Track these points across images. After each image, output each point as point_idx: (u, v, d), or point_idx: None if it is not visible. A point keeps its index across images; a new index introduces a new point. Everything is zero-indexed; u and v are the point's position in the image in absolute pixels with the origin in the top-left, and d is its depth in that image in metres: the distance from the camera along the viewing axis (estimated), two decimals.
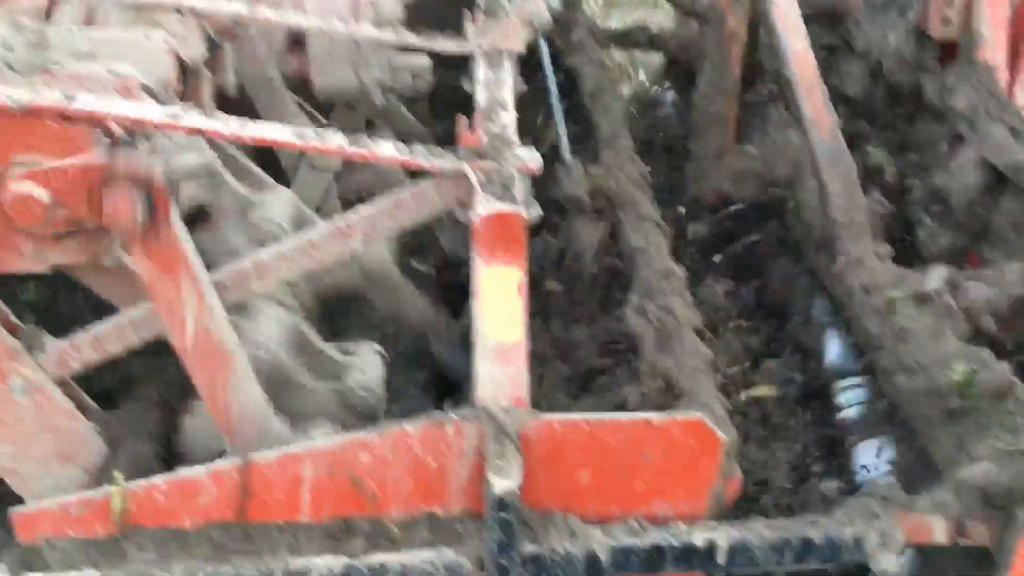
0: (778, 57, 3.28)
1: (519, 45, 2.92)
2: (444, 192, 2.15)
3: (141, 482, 2.07)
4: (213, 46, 3.05)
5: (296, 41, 3.56)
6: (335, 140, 2.10)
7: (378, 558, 2.06)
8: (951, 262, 3.34)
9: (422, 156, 2.11)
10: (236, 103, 3.35)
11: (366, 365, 2.67)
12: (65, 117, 2.05)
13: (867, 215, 3.14)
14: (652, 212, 3.15)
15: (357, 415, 2.62)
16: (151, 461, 2.37)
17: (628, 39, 5.62)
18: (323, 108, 3.74)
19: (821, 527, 2.09)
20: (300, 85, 3.57)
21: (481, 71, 2.75)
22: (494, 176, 2.05)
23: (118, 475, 2.08)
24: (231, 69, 3.24)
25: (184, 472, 2.06)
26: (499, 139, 2.25)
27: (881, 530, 2.08)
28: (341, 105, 3.64)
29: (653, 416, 2.04)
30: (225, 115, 2.12)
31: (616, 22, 6.57)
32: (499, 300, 1.99)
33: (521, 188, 2.10)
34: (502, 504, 1.96)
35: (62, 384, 2.36)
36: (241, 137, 2.06)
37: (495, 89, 2.61)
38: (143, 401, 2.55)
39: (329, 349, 2.67)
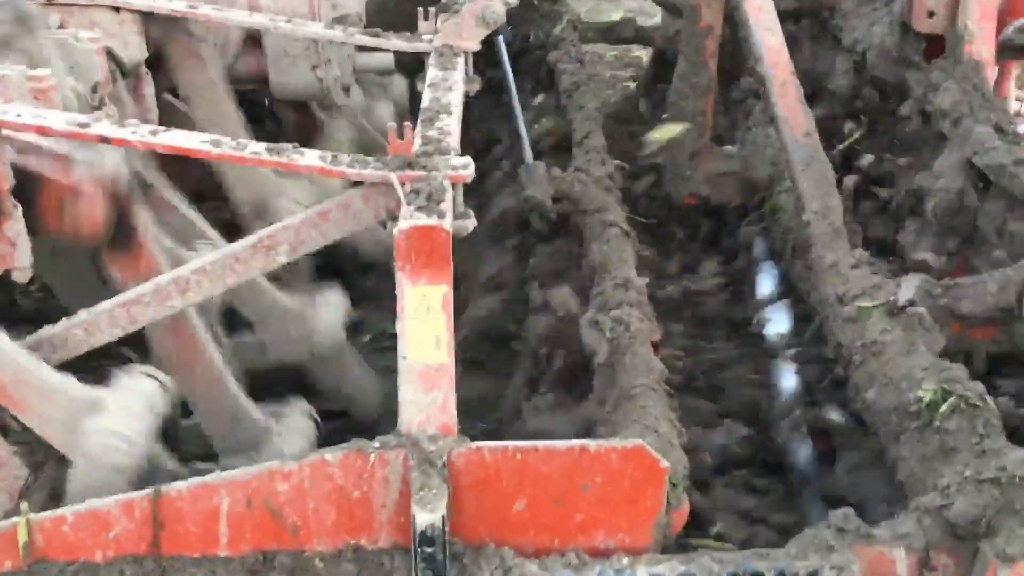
0: (751, 53, 3.12)
1: (473, 43, 2.79)
2: (372, 203, 2.02)
3: (48, 513, 1.95)
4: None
5: (254, 40, 3.45)
6: (253, 149, 1.98)
7: None
8: (933, 269, 3.21)
9: (346, 165, 1.98)
10: None
11: (294, 430, 2.52)
12: None
13: (843, 219, 2.99)
14: (617, 217, 3.01)
15: None
16: None
17: (613, 33, 5.48)
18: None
19: (772, 560, 1.95)
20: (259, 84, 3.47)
21: (430, 71, 2.62)
22: (421, 187, 1.92)
23: (24, 506, 1.96)
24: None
25: (93, 503, 1.94)
26: (435, 146, 2.12)
27: (836, 564, 1.94)
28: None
29: (591, 443, 1.91)
30: (137, 123, 1.99)
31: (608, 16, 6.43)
32: (422, 319, 1.86)
33: (451, 199, 1.97)
34: (426, 538, 1.83)
35: None
36: (151, 145, 1.94)
37: (441, 91, 2.47)
38: None
39: (256, 414, 2.51)
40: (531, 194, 3.04)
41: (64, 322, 2.17)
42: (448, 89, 2.48)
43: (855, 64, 3.86)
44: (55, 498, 2.21)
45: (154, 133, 1.97)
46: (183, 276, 2.11)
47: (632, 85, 5.64)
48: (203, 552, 1.97)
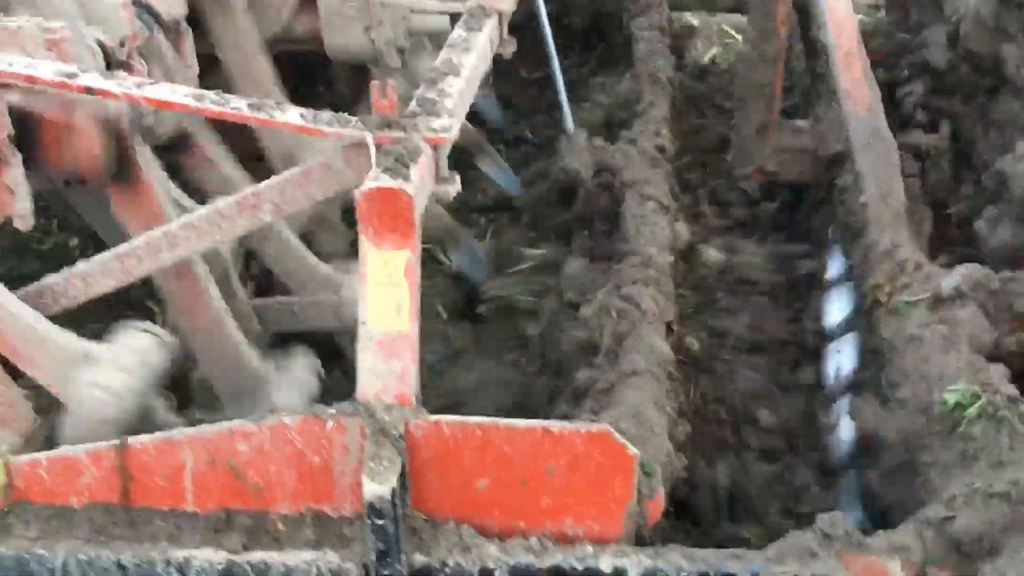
0: (814, 19, 2.91)
1: (507, 4, 2.69)
2: (353, 163, 1.97)
3: (25, 457, 2.00)
4: None
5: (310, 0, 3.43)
6: (234, 104, 1.95)
7: (261, 556, 1.92)
8: (1011, 259, 2.94)
9: (325, 124, 1.93)
10: None
11: (293, 383, 2.52)
12: None
13: (904, 202, 2.76)
14: (657, 191, 2.87)
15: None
16: None
17: (713, 2, 5.26)
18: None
19: (747, 562, 1.82)
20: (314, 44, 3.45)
21: (455, 31, 2.55)
22: (393, 148, 1.85)
23: (4, 449, 2.01)
24: None
25: (65, 450, 1.97)
26: (427, 107, 2.04)
27: (819, 572, 1.79)
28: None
29: (554, 424, 1.82)
30: (124, 75, 1.99)
31: None
32: (384, 286, 1.80)
33: (429, 162, 1.89)
34: (375, 510, 1.78)
35: None
36: (134, 97, 1.93)
37: (457, 52, 2.39)
38: None
39: (256, 363, 2.52)
40: (569, 164, 2.92)
41: (65, 272, 2.21)
42: (465, 50, 2.39)
43: (948, 35, 3.56)
44: (52, 444, 2.27)
45: (139, 86, 1.97)
46: (171, 231, 2.11)
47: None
48: (172, 506, 1.97)
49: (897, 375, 2.33)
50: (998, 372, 2.11)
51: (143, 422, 2.19)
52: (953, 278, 2.37)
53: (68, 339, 2.17)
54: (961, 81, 3.65)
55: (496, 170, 3.88)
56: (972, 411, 2.02)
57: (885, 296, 2.56)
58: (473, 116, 4.00)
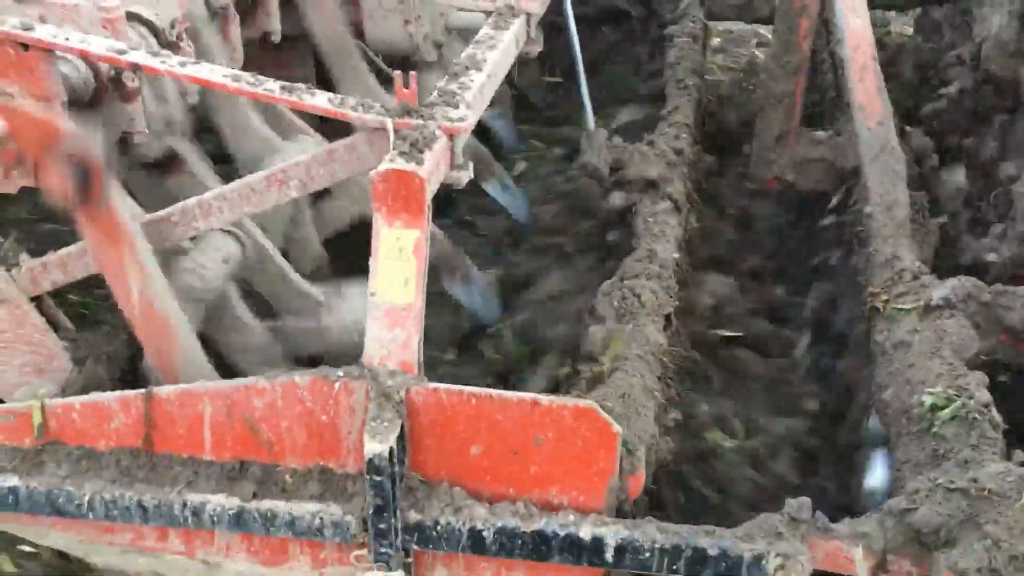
0: (832, 34, 3.01)
1: (536, 5, 2.82)
2: (375, 147, 2.11)
3: (59, 400, 2.17)
4: None
5: None
6: (268, 86, 2.10)
7: (269, 505, 2.08)
8: (1013, 276, 3.02)
9: (350, 109, 2.07)
10: None
11: (349, 305, 2.69)
12: (22, 44, 2.15)
13: (908, 214, 2.86)
14: (673, 190, 2.99)
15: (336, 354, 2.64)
16: (103, 383, 2.47)
17: (750, 11, 5.33)
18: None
19: (717, 538, 1.94)
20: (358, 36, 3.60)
21: (483, 29, 2.69)
22: (410, 134, 2.00)
23: (41, 391, 2.19)
24: (275, 14, 3.30)
25: (96, 395, 2.14)
26: (447, 98, 2.19)
27: (783, 551, 1.91)
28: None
29: (543, 398, 1.95)
30: (168, 54, 2.16)
31: None
32: (394, 261, 1.94)
33: (444, 150, 2.04)
34: (373, 466, 1.93)
35: (38, 300, 2.50)
36: (176, 74, 2.09)
37: (483, 48, 2.53)
38: (114, 325, 2.65)
39: (304, 285, 2.72)
40: (588, 160, 3.05)
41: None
42: (490, 47, 2.53)
43: (971, 57, 3.64)
44: (86, 392, 2.44)
45: (182, 64, 2.13)
46: (206, 201, 2.28)
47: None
48: (190, 454, 2.14)
49: (884, 377, 2.44)
50: (976, 379, 2.20)
51: (221, 300, 2.58)
52: (943, 289, 2.46)
53: None
54: (982, 102, 3.72)
55: (503, 194, 3.78)
56: (946, 413, 2.12)
57: (881, 304, 2.67)
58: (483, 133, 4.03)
